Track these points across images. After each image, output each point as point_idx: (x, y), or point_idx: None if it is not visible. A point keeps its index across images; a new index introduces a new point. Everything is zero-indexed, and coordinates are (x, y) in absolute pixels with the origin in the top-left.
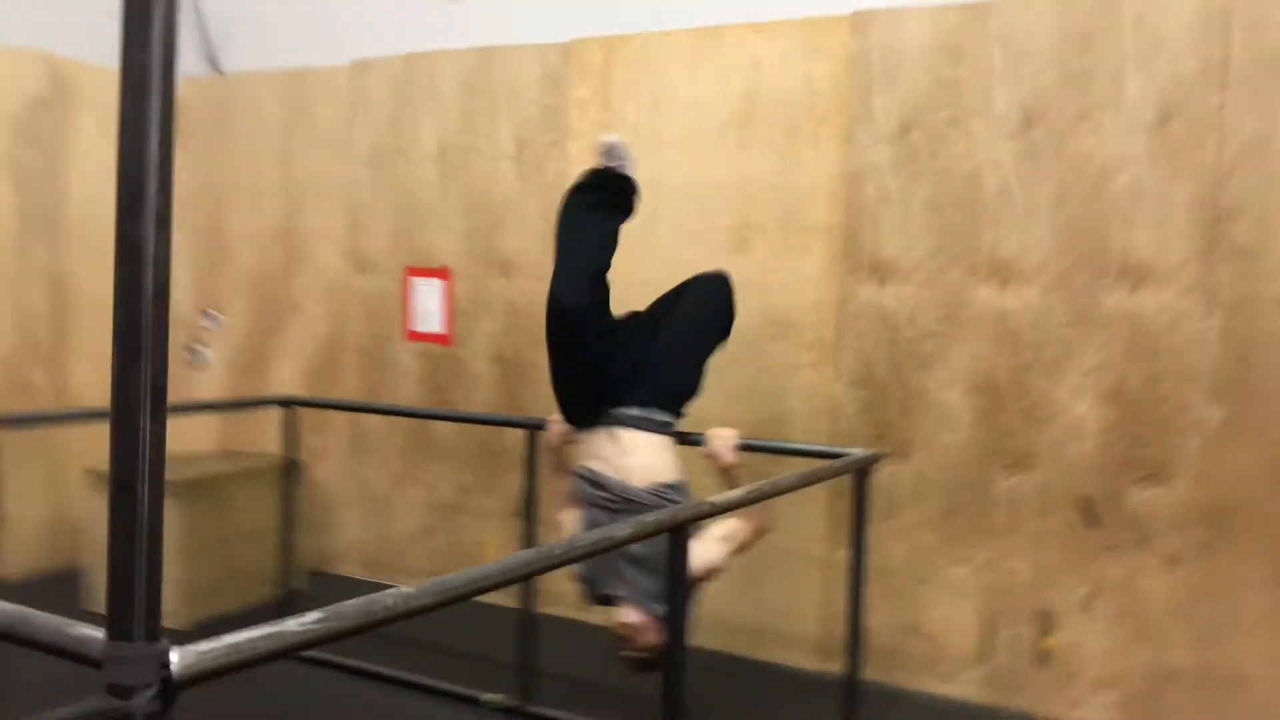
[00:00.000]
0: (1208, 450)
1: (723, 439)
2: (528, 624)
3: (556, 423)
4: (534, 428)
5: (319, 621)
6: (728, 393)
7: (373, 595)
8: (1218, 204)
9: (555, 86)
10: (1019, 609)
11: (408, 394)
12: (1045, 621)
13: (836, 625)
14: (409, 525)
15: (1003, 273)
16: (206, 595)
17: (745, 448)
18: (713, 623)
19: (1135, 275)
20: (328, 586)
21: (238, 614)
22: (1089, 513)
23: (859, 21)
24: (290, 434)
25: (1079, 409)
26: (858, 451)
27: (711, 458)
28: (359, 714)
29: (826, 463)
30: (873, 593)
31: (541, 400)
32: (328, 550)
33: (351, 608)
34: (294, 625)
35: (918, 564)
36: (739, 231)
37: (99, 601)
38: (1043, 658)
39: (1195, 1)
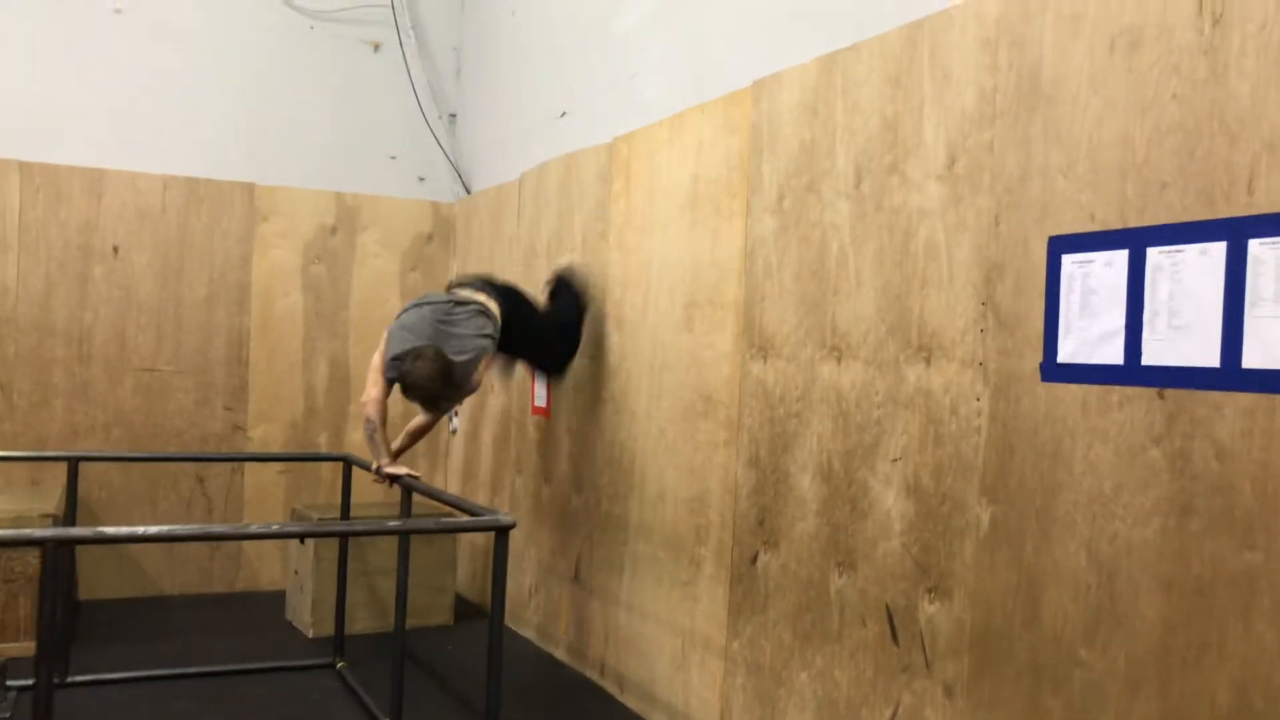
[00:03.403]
0: (978, 560)
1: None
2: None
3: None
4: None
5: None
6: (671, 465)
7: None
8: (987, 259)
9: (603, 182)
10: None
11: (531, 460)
12: None
13: (737, 718)
14: (529, 580)
15: (838, 347)
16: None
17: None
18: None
19: (928, 347)
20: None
21: (360, 635)
22: (893, 625)
23: (756, 91)
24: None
25: (887, 502)
26: (502, 516)
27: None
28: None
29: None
30: (743, 687)
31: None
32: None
33: None
34: None
35: (777, 664)
36: (688, 309)
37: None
38: None
39: (975, 23)
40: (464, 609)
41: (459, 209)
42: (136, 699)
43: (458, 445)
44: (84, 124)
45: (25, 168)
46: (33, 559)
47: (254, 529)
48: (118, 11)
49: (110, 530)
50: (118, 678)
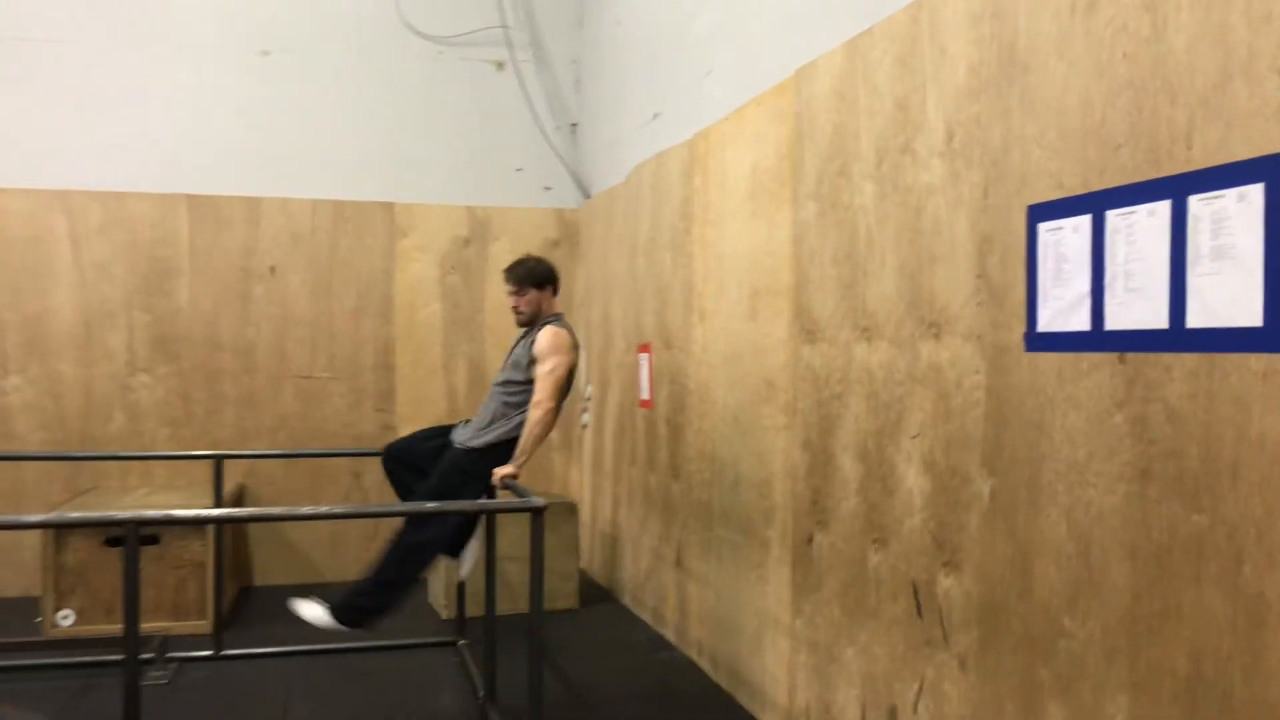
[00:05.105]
0: (981, 533)
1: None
2: None
3: None
4: None
5: None
6: (744, 450)
7: None
8: (979, 232)
9: (685, 178)
10: (880, 700)
11: (641, 450)
12: (894, 719)
13: (800, 695)
14: (644, 565)
15: (869, 328)
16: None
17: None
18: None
19: (937, 323)
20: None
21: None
22: (917, 600)
23: (797, 80)
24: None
25: (909, 479)
26: (535, 499)
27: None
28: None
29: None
30: (804, 664)
31: (689, 452)
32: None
33: None
34: None
35: (829, 640)
36: (752, 298)
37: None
38: None
39: None
40: (592, 594)
41: (581, 214)
42: (283, 670)
43: (588, 439)
44: (240, 157)
45: (193, 200)
46: (200, 546)
47: (348, 510)
48: (265, 54)
49: (271, 510)
50: (267, 652)
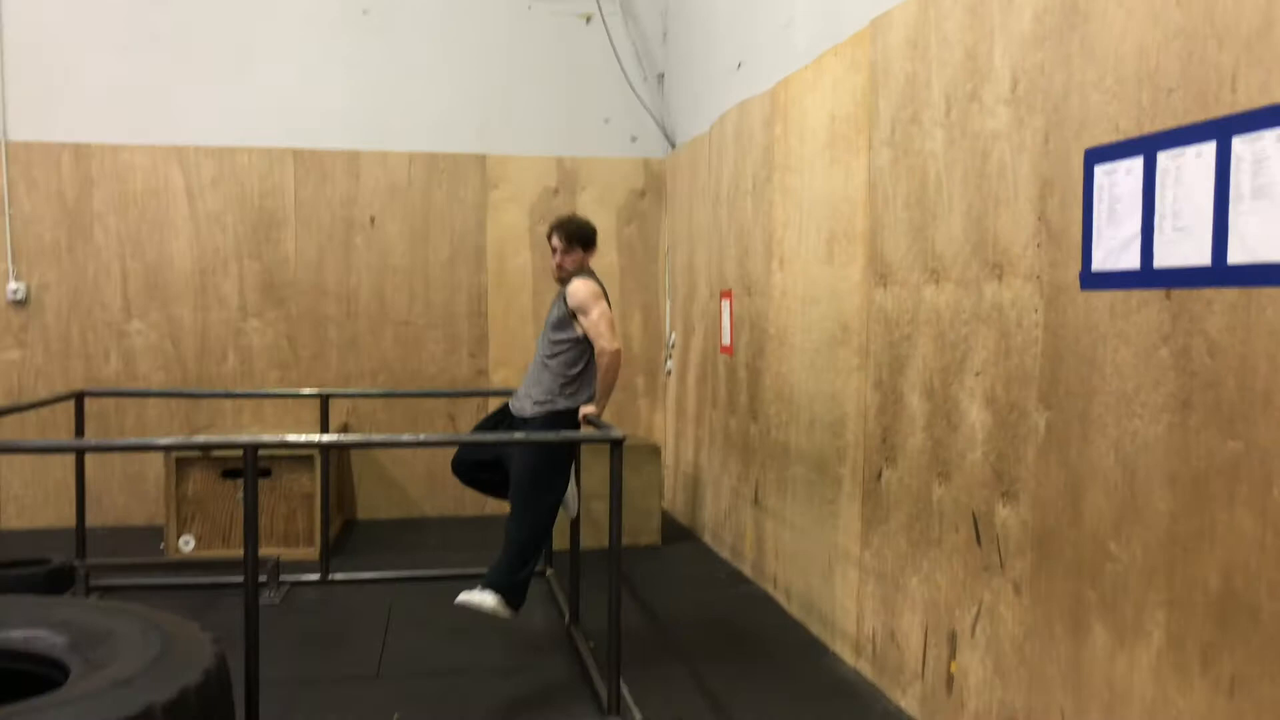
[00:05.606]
0: (1038, 464)
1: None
2: None
3: None
4: None
5: None
6: (820, 392)
7: None
8: (1040, 176)
9: (767, 127)
10: (941, 625)
11: (722, 395)
12: (953, 643)
13: (867, 623)
14: (724, 504)
15: (937, 270)
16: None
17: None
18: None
19: (1000, 264)
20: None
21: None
22: (977, 529)
23: (873, 29)
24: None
25: (972, 415)
26: (614, 431)
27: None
28: None
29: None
30: (871, 593)
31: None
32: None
33: None
34: None
35: (895, 570)
36: (829, 244)
37: None
38: (950, 682)
39: None
40: (674, 533)
41: (667, 164)
42: (384, 594)
43: (671, 385)
44: (342, 112)
45: (298, 154)
46: (308, 479)
47: (424, 438)
48: (365, 13)
49: (372, 438)
50: (370, 577)
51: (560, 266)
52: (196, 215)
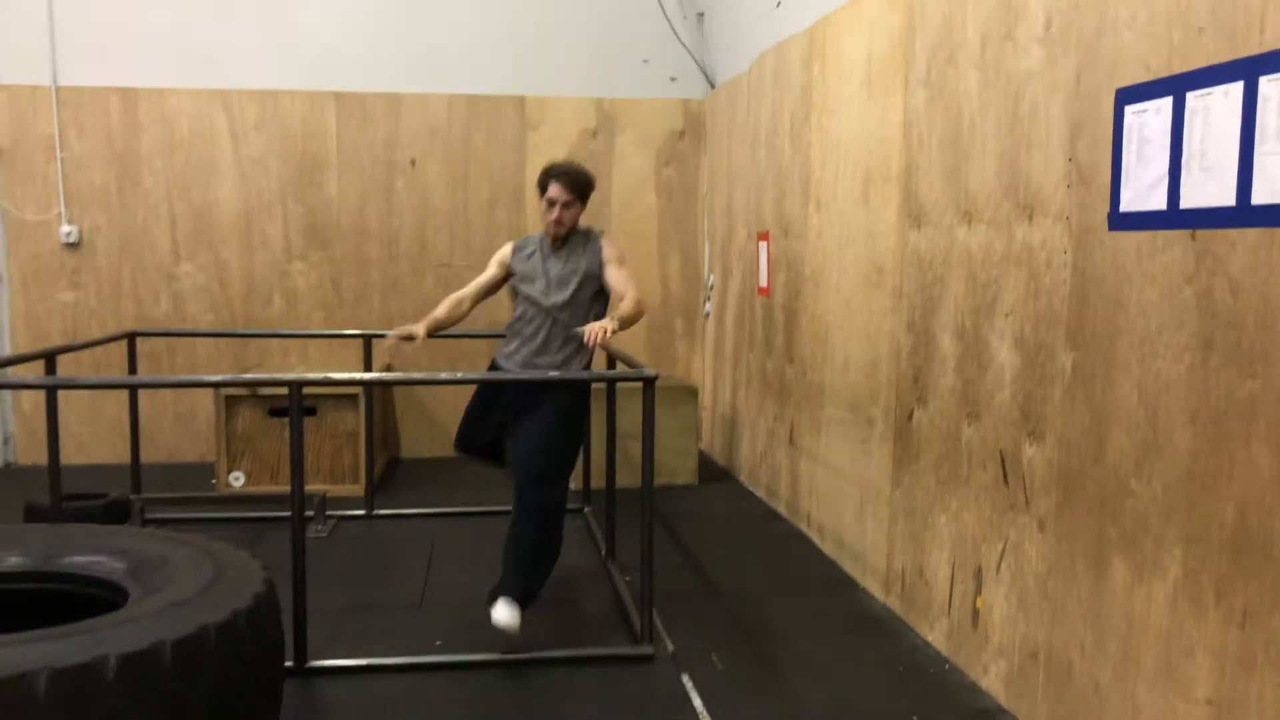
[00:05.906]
0: (1063, 404)
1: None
2: None
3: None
4: None
5: None
6: (854, 333)
7: None
8: (1071, 117)
9: (805, 67)
10: (968, 562)
11: (759, 337)
12: (979, 579)
13: (897, 559)
14: (760, 445)
15: (970, 211)
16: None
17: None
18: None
19: (1030, 206)
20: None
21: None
22: (1004, 468)
23: None
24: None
25: (1001, 355)
26: (647, 370)
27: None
28: None
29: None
30: (901, 531)
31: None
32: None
33: None
34: None
35: (924, 508)
36: (865, 185)
37: None
38: (975, 617)
39: None
40: (711, 473)
41: (706, 105)
42: (427, 529)
43: (709, 327)
44: (382, 55)
45: (340, 97)
46: (353, 418)
47: (453, 376)
48: None
49: (413, 375)
50: (413, 513)
51: (559, 222)
52: (241, 159)
